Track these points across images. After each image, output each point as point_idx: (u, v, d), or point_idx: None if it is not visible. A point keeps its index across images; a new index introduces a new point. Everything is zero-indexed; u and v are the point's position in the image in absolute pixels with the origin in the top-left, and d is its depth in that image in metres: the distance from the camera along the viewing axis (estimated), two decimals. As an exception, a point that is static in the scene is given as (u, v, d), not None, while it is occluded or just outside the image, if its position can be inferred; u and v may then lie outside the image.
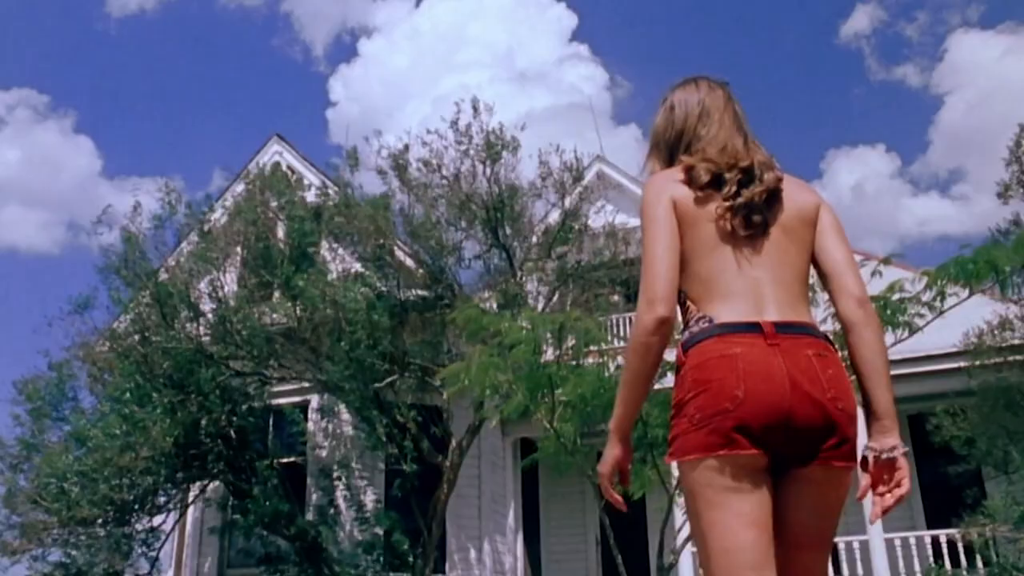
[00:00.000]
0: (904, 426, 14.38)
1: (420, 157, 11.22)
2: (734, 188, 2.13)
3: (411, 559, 10.98)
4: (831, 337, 2.16)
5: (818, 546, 2.10)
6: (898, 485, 2.06)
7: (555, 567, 15.36)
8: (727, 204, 2.12)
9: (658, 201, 2.16)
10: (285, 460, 12.73)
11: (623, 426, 2.15)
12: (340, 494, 11.49)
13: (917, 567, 12.28)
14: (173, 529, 11.92)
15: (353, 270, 10.94)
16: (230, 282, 10.85)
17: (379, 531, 11.23)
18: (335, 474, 11.44)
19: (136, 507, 9.97)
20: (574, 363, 7.30)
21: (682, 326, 2.18)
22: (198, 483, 11.80)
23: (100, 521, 9.83)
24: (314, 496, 11.82)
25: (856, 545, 12.35)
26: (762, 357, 1.97)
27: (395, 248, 11.49)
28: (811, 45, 42.48)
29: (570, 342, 7.13)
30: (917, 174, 46.07)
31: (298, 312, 9.90)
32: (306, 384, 12.55)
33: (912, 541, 12.29)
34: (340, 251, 11.18)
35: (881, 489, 2.06)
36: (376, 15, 48.55)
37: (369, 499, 11.53)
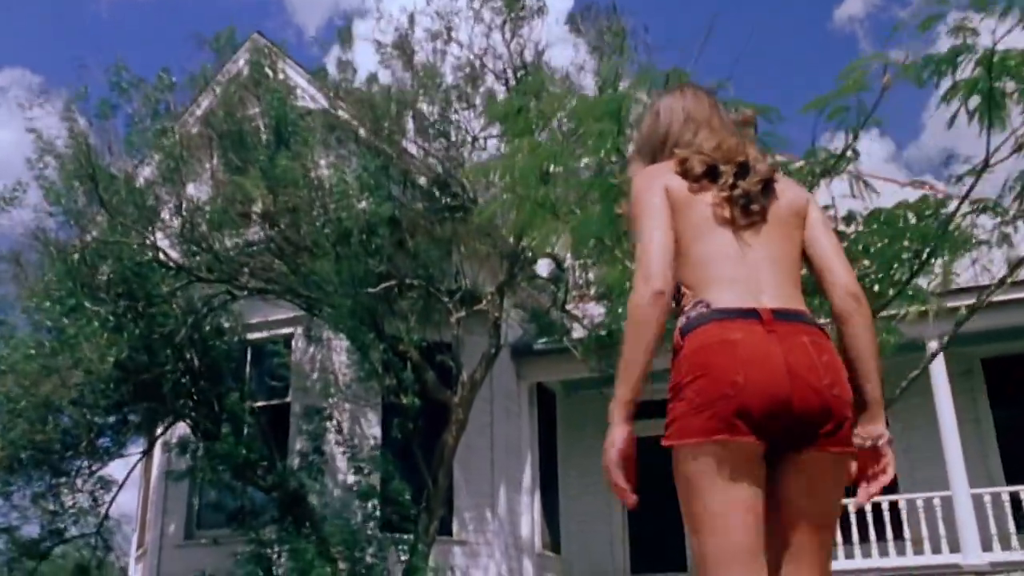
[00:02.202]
0: (977, 371, 12.56)
1: (428, 28, 9.15)
2: (731, 179, 2.15)
3: (414, 513, 9.06)
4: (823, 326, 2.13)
5: (817, 527, 2.05)
6: (883, 472, 2.10)
7: (576, 530, 13.48)
8: (724, 195, 2.14)
9: (650, 187, 2.18)
10: (264, 403, 10.84)
11: (629, 408, 2.02)
12: (329, 438, 9.54)
13: (1012, 527, 10.46)
14: (126, 480, 9.97)
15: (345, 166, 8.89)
16: (198, 177, 8.81)
17: (375, 480, 9.30)
18: (324, 412, 9.48)
19: (70, 450, 7.98)
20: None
21: (678, 313, 2.14)
22: (159, 425, 9.87)
23: (26, 465, 7.85)
24: (297, 441, 9.89)
25: (937, 502, 10.53)
26: (761, 344, 1.98)
27: (396, 141, 9.48)
28: (806, 29, 41.54)
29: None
30: (912, 158, 45.25)
31: (277, 203, 7.87)
32: (288, 315, 10.64)
33: (1005, 497, 10.50)
34: (331, 141, 9.12)
35: (868, 475, 2.10)
36: (369, -5, 46.68)
37: (363, 443, 9.60)
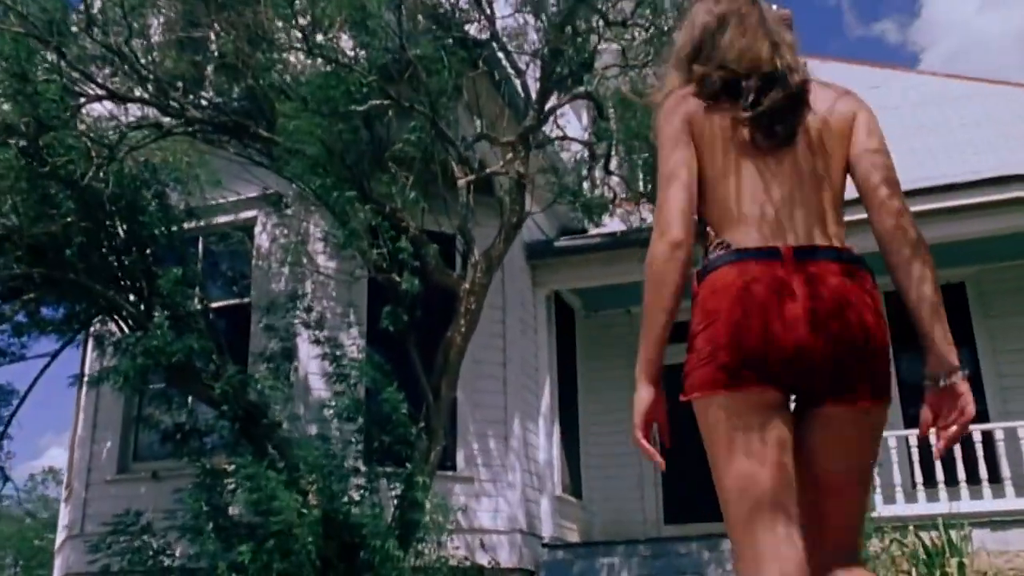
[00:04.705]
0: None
1: None
2: (752, 96, 1.93)
3: (411, 433, 6.81)
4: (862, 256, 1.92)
5: (854, 487, 1.90)
6: (961, 413, 1.87)
7: (599, 473, 11.32)
8: (746, 114, 1.92)
9: (670, 122, 1.99)
10: (219, 304, 8.57)
11: (652, 367, 1.91)
12: (301, 337, 7.29)
13: None
14: (31, 388, 7.70)
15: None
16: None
17: (361, 391, 7.06)
18: (294, 304, 7.21)
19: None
20: None
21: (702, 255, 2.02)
22: (76, 321, 7.58)
23: None
24: (260, 341, 7.62)
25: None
26: (777, 286, 1.82)
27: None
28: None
29: None
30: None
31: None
32: (251, 193, 8.41)
33: None
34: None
35: (943, 420, 1.88)
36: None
37: (342, 337, 7.34)
